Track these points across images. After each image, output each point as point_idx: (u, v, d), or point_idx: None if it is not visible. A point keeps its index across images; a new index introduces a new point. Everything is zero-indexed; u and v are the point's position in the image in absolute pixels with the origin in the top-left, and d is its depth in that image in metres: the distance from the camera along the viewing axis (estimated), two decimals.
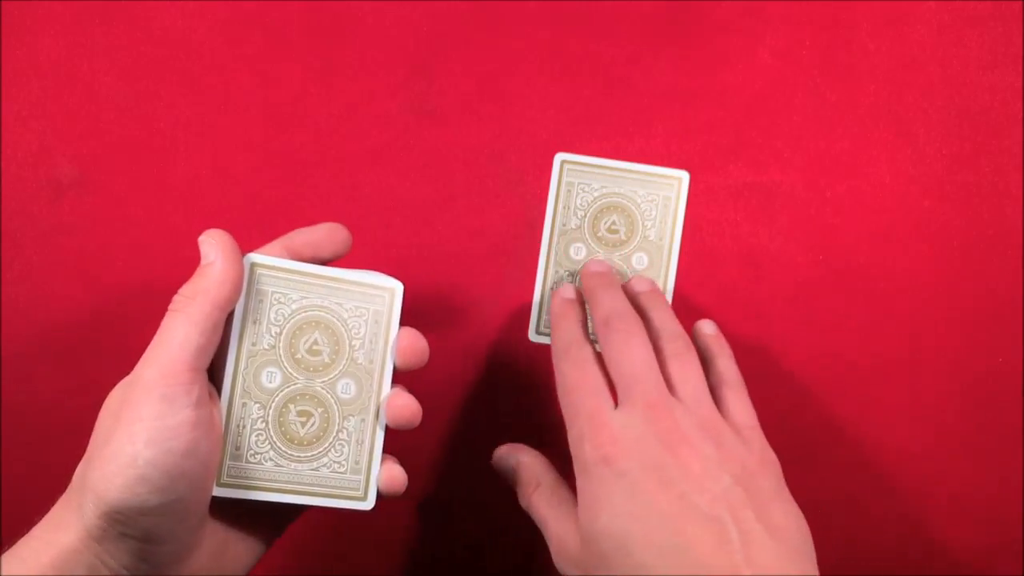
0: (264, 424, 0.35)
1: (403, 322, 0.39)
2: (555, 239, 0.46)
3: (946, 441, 0.47)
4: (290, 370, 0.36)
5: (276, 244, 0.37)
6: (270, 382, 0.36)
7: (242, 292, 0.35)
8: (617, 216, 0.46)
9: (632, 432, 0.35)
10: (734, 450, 0.36)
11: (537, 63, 0.48)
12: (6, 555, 0.33)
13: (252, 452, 0.35)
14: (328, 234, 0.38)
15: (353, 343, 0.37)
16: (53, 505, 0.34)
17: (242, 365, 0.35)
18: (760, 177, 0.48)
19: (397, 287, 0.38)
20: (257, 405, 0.35)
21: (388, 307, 0.38)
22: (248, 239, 0.38)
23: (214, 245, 0.34)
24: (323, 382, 0.36)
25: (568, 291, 0.43)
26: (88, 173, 0.47)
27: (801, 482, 0.48)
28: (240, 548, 0.37)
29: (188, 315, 0.33)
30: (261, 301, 0.36)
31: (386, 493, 0.38)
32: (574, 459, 0.36)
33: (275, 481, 0.35)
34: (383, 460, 0.38)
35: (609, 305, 0.40)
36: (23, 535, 0.33)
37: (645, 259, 0.47)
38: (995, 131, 0.47)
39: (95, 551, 0.32)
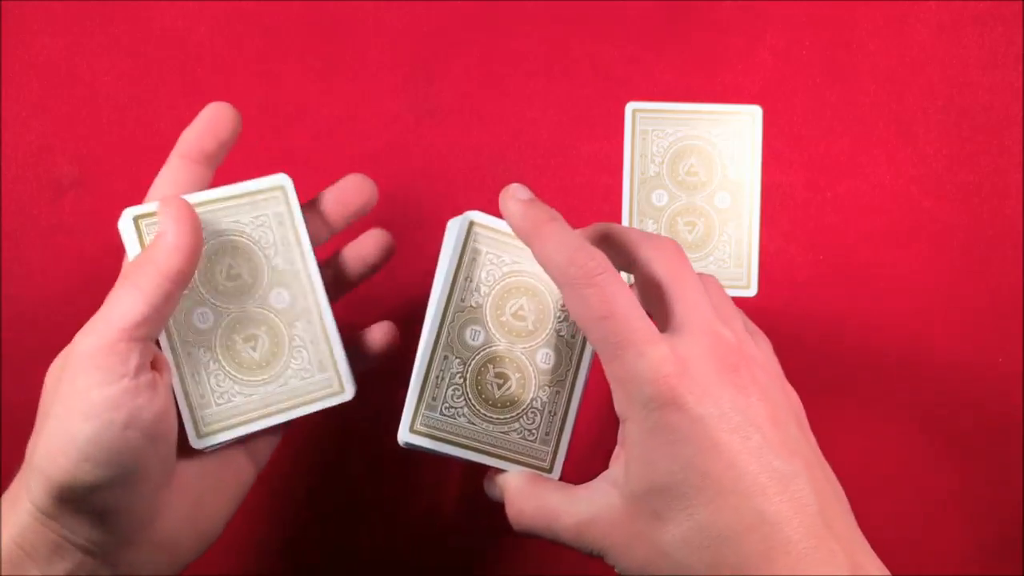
0: (462, 380, 0.35)
1: None
2: (636, 188, 0.45)
3: (946, 441, 0.47)
4: (494, 331, 0.36)
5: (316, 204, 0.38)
6: (474, 339, 0.35)
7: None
8: (695, 158, 0.46)
9: (700, 365, 0.30)
10: (788, 392, 0.32)
11: (537, 63, 0.48)
12: None
13: (447, 405, 0.35)
14: (354, 186, 0.39)
15: (558, 315, 0.36)
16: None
17: (448, 319, 0.35)
18: (761, 177, 0.48)
19: None
20: (458, 360, 0.35)
21: None
22: None
23: (169, 215, 0.33)
24: (524, 348, 0.36)
25: (521, 191, 0.34)
26: (88, 173, 0.47)
27: None
28: (216, 500, 0.36)
29: (133, 282, 0.31)
30: (475, 259, 0.36)
31: None
32: (623, 399, 0.30)
33: (466, 437, 0.35)
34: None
35: (575, 241, 0.32)
36: None
37: (728, 198, 0.46)
38: (995, 131, 0.47)
39: (53, 528, 0.31)
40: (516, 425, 0.36)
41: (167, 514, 0.34)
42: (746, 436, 0.29)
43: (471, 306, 0.36)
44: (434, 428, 0.35)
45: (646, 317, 0.31)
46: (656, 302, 0.32)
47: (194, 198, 0.35)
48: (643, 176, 0.47)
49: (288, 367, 0.36)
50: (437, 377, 0.35)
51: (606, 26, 0.48)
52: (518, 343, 0.36)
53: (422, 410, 0.35)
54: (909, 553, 0.48)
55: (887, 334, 0.47)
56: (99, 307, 0.47)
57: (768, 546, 0.28)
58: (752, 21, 0.47)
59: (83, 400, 0.30)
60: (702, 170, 0.47)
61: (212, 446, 0.35)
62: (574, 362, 0.37)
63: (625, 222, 0.47)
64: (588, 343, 0.37)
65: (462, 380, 0.35)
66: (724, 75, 0.48)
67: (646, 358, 0.30)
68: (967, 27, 0.47)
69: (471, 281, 0.36)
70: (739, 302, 0.48)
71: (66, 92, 0.48)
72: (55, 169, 0.47)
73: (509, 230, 0.35)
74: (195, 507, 0.35)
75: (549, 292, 0.36)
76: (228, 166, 0.48)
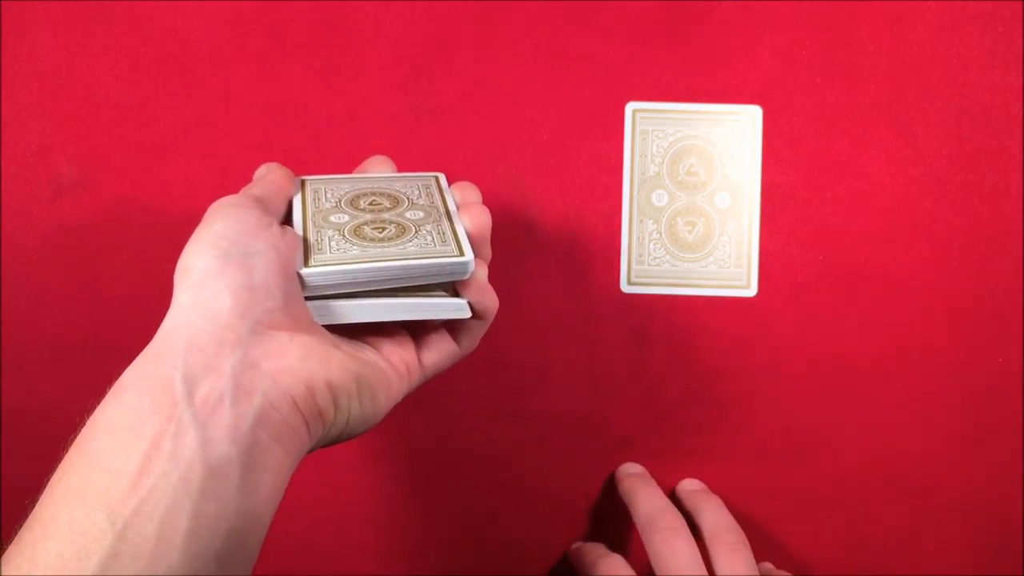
0: (339, 232, 0.37)
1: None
2: (636, 188, 0.45)
3: (946, 441, 0.47)
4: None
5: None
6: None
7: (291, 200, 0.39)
8: (695, 158, 0.46)
9: None
10: None
11: (537, 63, 0.48)
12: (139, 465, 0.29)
13: (334, 246, 0.36)
14: (377, 166, 0.41)
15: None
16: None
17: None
18: (761, 177, 0.48)
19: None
20: (343, 213, 0.38)
21: None
22: None
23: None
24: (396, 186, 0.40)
25: (631, 467, 0.47)
26: (88, 173, 0.47)
27: (801, 482, 0.48)
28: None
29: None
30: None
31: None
32: None
33: (362, 258, 0.36)
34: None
35: (650, 504, 0.44)
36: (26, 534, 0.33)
37: (728, 198, 0.46)
38: (995, 131, 0.47)
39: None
40: (411, 246, 0.36)
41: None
42: None
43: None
44: (327, 262, 0.35)
45: (702, 570, 0.41)
46: None
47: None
48: (643, 176, 0.47)
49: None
50: (317, 238, 0.36)
51: (606, 26, 0.48)
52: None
53: (312, 254, 0.35)
54: (909, 553, 0.48)
55: (887, 334, 0.47)
56: (99, 307, 0.47)
57: None
58: (752, 21, 0.47)
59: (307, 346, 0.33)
60: (702, 170, 0.47)
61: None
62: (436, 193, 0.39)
63: (625, 222, 0.47)
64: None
65: (339, 233, 0.37)
66: (724, 75, 0.48)
67: None
68: (967, 27, 0.47)
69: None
70: (739, 302, 0.48)
71: (66, 92, 0.48)
72: (55, 169, 0.47)
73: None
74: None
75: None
76: (229, 166, 0.48)
